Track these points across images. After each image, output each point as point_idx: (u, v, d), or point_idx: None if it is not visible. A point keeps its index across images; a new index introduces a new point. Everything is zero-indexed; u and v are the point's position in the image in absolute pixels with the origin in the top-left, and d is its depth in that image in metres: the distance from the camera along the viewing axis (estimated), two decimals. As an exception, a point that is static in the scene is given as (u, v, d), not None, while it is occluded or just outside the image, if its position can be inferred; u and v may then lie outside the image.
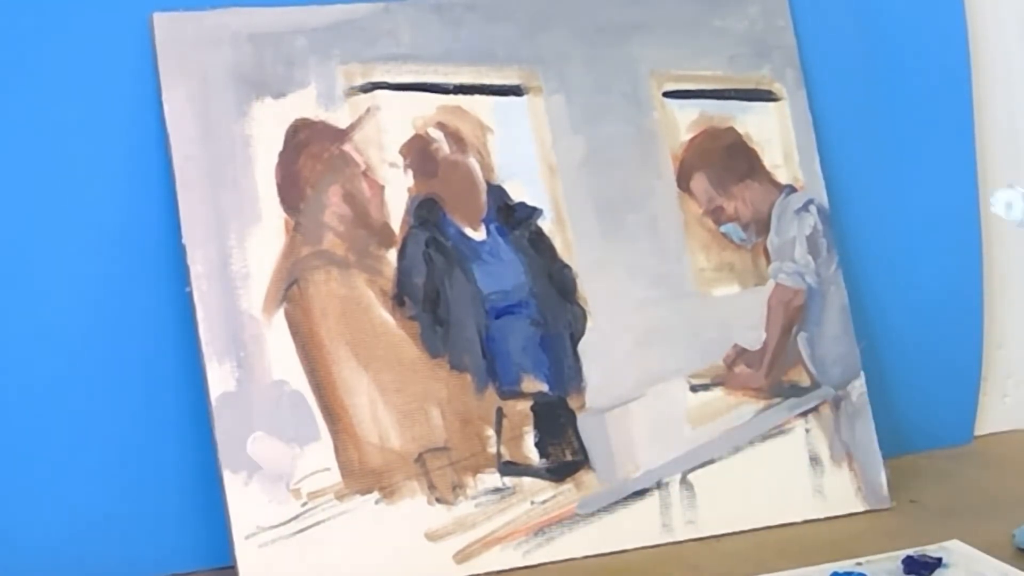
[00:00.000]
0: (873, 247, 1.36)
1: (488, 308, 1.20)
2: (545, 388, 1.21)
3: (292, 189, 1.18)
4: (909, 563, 1.11)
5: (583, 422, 1.21)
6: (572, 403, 1.21)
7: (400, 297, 1.18)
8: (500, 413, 1.19)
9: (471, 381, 1.19)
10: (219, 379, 1.13)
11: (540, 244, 1.23)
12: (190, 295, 1.14)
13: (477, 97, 1.24)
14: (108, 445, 1.16)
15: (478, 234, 1.22)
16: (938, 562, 1.11)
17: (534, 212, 1.24)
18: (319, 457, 1.14)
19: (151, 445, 1.17)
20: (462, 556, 1.15)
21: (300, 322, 1.16)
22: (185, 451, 1.17)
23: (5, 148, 1.15)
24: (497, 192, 1.23)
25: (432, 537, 1.15)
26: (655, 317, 1.25)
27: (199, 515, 1.17)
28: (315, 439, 1.14)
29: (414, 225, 1.20)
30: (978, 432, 1.44)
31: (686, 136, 1.29)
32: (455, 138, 1.23)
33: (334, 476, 1.14)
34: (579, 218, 1.24)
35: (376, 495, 1.14)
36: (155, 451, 1.17)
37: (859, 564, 1.12)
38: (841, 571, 1.10)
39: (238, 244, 1.15)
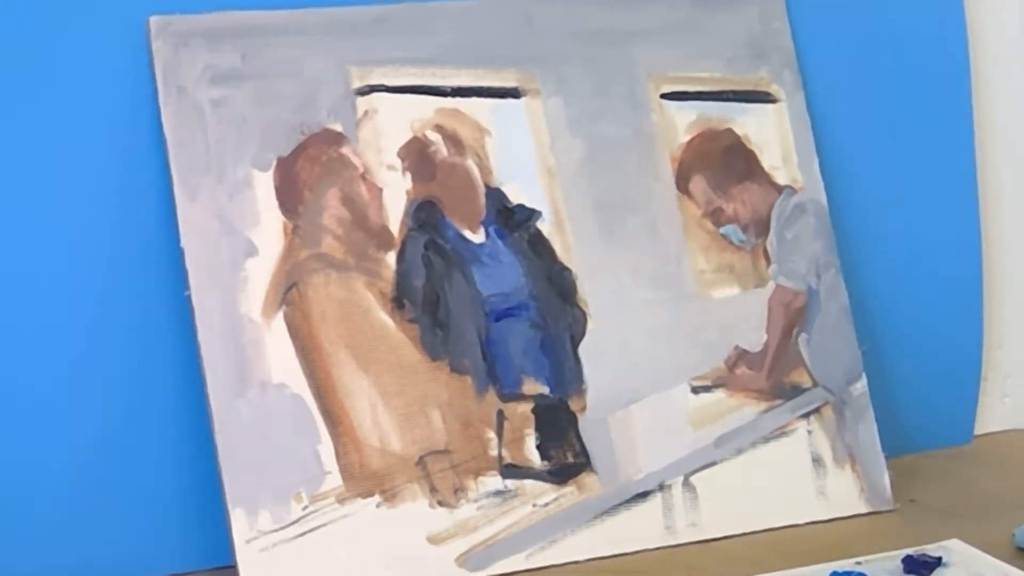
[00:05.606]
0: (872, 248, 1.35)
1: (488, 311, 1.20)
2: (546, 390, 1.20)
3: (290, 192, 1.17)
4: (909, 563, 1.11)
5: (584, 424, 1.20)
6: (573, 405, 1.21)
7: (400, 300, 1.18)
8: (501, 415, 1.19)
9: (471, 384, 1.18)
10: (219, 383, 1.12)
11: (539, 246, 1.23)
12: (189, 299, 1.13)
13: (475, 99, 1.23)
14: (108, 447, 1.16)
15: (477, 236, 1.22)
16: (938, 562, 1.11)
17: (533, 214, 1.23)
18: (320, 461, 1.14)
19: (151, 447, 1.17)
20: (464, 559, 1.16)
21: (299, 325, 1.15)
22: (185, 453, 1.17)
23: (1, 153, 1.14)
24: (496, 194, 1.23)
25: (434, 540, 1.15)
26: (655, 319, 1.24)
27: (199, 516, 1.16)
28: (316, 443, 1.14)
29: (413, 228, 1.20)
30: (978, 432, 1.44)
31: (684, 138, 1.29)
32: (453, 141, 1.23)
33: (335, 480, 1.13)
34: (578, 220, 1.24)
35: (377, 498, 1.14)
36: (155, 453, 1.17)
37: (859, 564, 1.11)
38: (840, 571, 1.10)
39: (237, 247, 1.15)
